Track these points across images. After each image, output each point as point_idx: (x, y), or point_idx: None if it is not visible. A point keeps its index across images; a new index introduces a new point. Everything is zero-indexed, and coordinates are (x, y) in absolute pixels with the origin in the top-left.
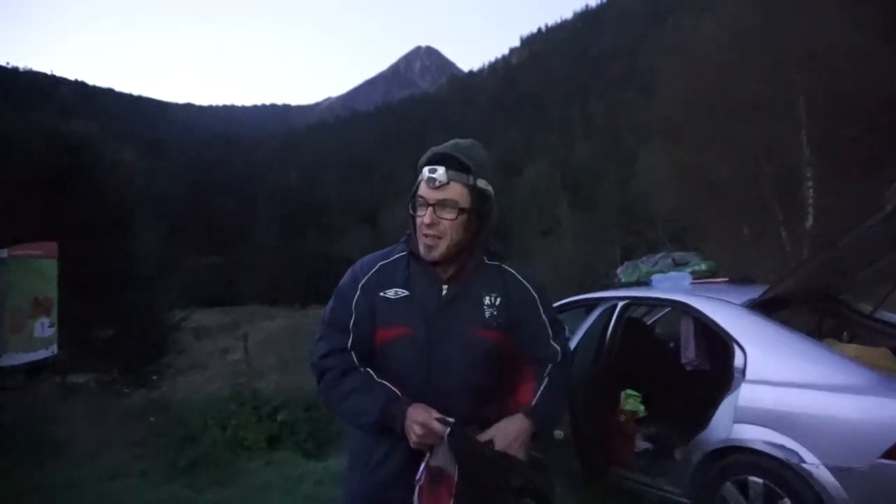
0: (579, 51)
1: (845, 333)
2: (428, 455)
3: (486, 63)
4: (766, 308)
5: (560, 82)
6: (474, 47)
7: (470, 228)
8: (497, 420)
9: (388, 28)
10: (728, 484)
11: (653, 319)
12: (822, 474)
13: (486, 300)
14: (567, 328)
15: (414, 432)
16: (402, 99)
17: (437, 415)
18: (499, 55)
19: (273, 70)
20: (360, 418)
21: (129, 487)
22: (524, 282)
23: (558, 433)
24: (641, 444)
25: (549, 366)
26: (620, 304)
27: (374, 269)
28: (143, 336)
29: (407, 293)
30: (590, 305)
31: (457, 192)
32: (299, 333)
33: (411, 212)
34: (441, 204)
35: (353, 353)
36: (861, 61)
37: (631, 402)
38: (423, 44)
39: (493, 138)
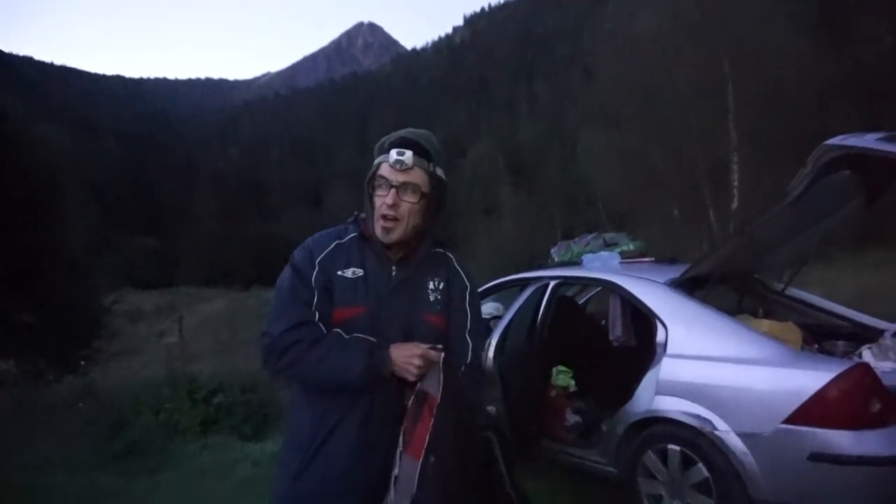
0: (523, 31)
1: (760, 310)
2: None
3: (430, 41)
4: (687, 287)
5: (504, 62)
6: (417, 25)
7: (426, 214)
8: None
9: (328, 2)
10: (649, 452)
11: (584, 298)
12: (732, 440)
13: (431, 284)
14: (502, 307)
15: (414, 365)
16: (344, 76)
17: (424, 345)
18: (442, 34)
19: (208, 42)
20: (346, 373)
21: (57, 478)
22: (460, 270)
23: (490, 408)
24: (571, 418)
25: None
26: (552, 283)
27: (329, 248)
28: (71, 321)
29: (362, 272)
30: (523, 285)
31: (419, 176)
32: (239, 316)
33: (369, 192)
34: (404, 187)
35: (319, 325)
36: (788, 56)
37: (562, 377)
38: (366, 20)
39: (438, 118)
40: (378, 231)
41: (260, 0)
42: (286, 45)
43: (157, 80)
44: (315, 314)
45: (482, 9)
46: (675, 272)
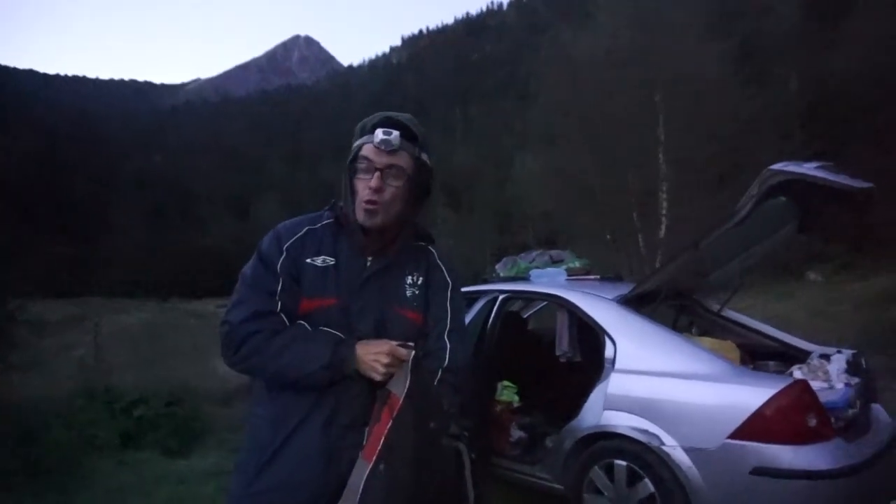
0: (460, 56)
1: (694, 329)
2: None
3: (367, 59)
4: (634, 304)
5: (441, 85)
6: (355, 42)
7: (409, 201)
8: None
9: (264, 13)
10: (596, 468)
11: (528, 313)
12: (679, 455)
13: (409, 279)
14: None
15: (381, 363)
16: (278, 88)
17: (395, 342)
18: (380, 52)
19: (132, 43)
20: (307, 368)
21: None
22: (442, 266)
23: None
24: (516, 434)
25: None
26: (501, 297)
27: (299, 234)
28: None
29: (334, 261)
30: (471, 298)
31: (405, 160)
32: (159, 329)
33: (348, 176)
34: (389, 170)
35: (281, 315)
36: (716, 89)
37: (507, 392)
38: (303, 33)
39: None
40: (360, 216)
41: (192, 3)
42: (218, 52)
43: (74, 77)
44: (278, 303)
45: (420, 31)
46: (623, 289)
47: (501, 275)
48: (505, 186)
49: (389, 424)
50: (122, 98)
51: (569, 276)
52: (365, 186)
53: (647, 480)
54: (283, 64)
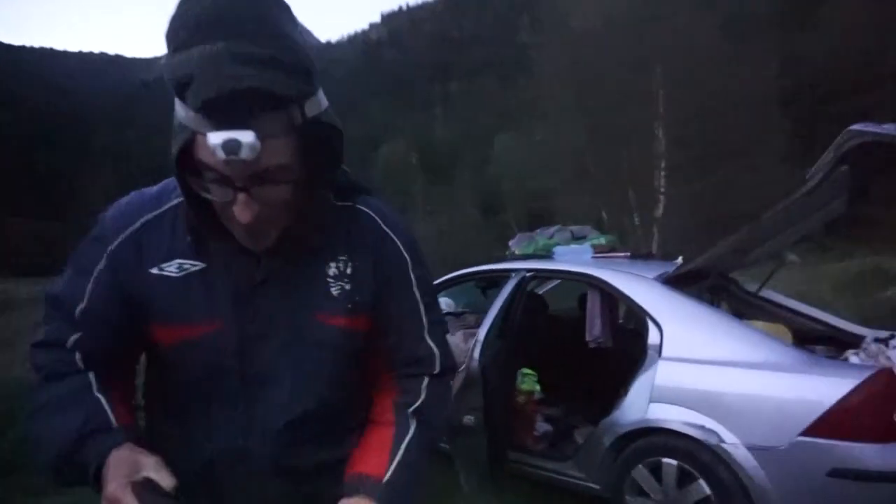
0: (441, 33)
1: (727, 309)
2: None
3: (346, 35)
4: (679, 284)
5: (421, 63)
6: (333, 18)
7: (305, 165)
8: (340, 476)
9: None
10: (640, 467)
11: (540, 293)
12: (741, 454)
13: (332, 268)
14: (453, 303)
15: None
16: None
17: (147, 474)
18: (359, 29)
19: (102, 14)
20: (40, 451)
21: None
22: (392, 235)
23: (468, 418)
24: (542, 427)
25: (419, 400)
26: (524, 276)
27: (132, 228)
28: None
29: (201, 265)
30: (488, 278)
31: (282, 150)
32: None
33: (182, 177)
34: (258, 179)
35: (76, 354)
36: (715, 63)
37: (528, 381)
38: None
39: (352, 113)
40: (239, 237)
41: None
42: None
43: (42, 49)
44: (75, 330)
45: (400, 7)
46: (659, 268)
47: (517, 252)
48: (488, 164)
49: None
50: (93, 71)
51: (595, 253)
52: (227, 208)
53: (701, 481)
54: None
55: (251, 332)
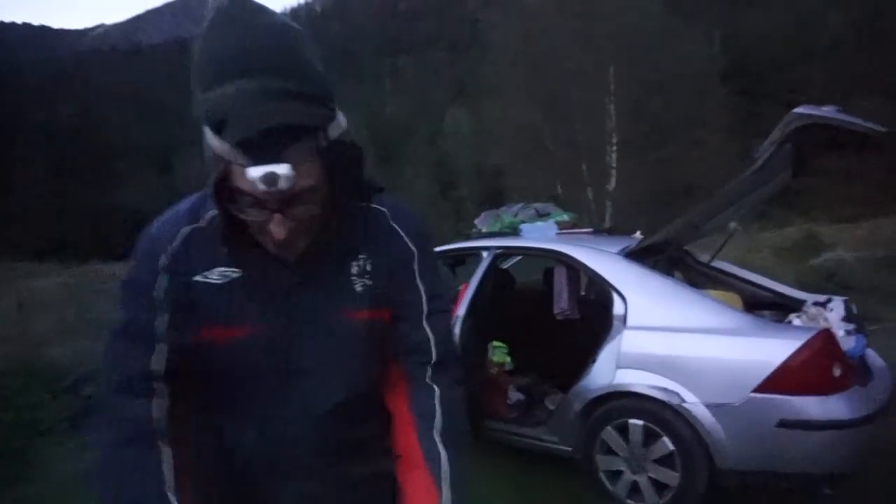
0: (387, 5)
1: (683, 279)
2: None
3: (288, 7)
4: (640, 257)
5: (368, 35)
6: None
7: (330, 183)
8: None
9: None
10: (608, 428)
11: (505, 267)
12: (700, 411)
13: (354, 267)
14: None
15: None
16: (195, 35)
17: None
18: (302, 0)
19: None
20: None
21: None
22: (399, 230)
23: None
24: (514, 396)
25: (437, 420)
26: (492, 253)
27: (178, 240)
28: None
29: (240, 273)
30: (458, 256)
31: (312, 173)
32: (82, 295)
33: (217, 192)
34: (291, 201)
35: (160, 384)
36: (661, 39)
37: (498, 353)
38: None
39: None
40: (274, 251)
41: None
42: None
43: None
44: (153, 350)
45: None
46: (621, 243)
47: (483, 230)
48: (437, 140)
49: None
50: (16, 44)
51: (559, 229)
52: (265, 227)
53: (665, 438)
54: (199, 10)
55: (289, 332)
